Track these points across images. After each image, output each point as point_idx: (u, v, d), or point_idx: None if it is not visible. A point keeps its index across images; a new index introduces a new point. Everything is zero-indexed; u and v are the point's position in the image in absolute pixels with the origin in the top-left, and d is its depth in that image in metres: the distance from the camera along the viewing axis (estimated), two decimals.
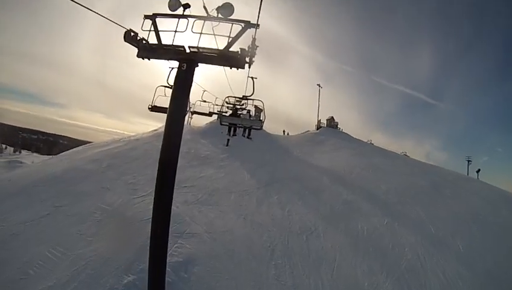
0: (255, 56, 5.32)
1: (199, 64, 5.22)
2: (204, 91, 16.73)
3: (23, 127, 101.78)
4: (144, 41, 5.28)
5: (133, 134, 21.97)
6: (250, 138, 18.30)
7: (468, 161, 36.80)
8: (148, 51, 5.34)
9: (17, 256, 8.14)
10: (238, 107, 16.55)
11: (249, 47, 5.17)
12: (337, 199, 14.45)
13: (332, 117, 35.28)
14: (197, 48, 5.08)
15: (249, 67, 5.51)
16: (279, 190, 14.52)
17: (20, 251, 8.38)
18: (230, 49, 5.11)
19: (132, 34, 5.19)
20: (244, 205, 12.20)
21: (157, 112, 9.23)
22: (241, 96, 12.61)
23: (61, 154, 18.13)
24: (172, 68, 6.82)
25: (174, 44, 5.18)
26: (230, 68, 5.24)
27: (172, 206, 10.29)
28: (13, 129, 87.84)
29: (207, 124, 25.97)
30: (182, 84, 5.09)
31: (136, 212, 10.24)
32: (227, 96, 12.94)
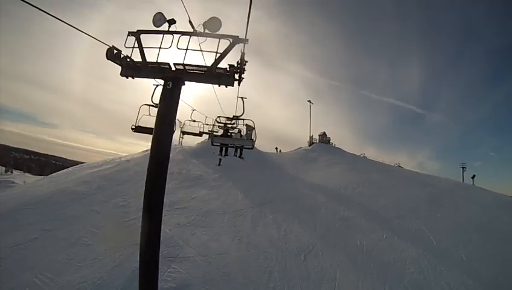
0: (244, 73, 5.13)
1: (186, 82, 4.98)
2: (193, 110, 16.26)
3: (16, 147, 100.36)
4: (128, 59, 5.06)
5: (124, 154, 21.72)
6: (242, 158, 18.15)
7: (463, 167, 36.90)
8: (132, 69, 5.12)
9: (2, 282, 7.72)
10: (229, 126, 16.29)
11: (237, 63, 4.98)
12: (333, 216, 14.09)
13: (324, 132, 35.33)
14: (183, 64, 4.86)
15: (239, 84, 5.31)
16: (274, 209, 14.13)
17: (5, 277, 7.94)
18: (218, 66, 4.90)
19: (115, 51, 4.97)
20: (238, 225, 11.77)
21: (141, 133, 8.23)
22: (232, 117, 12.51)
23: (51, 175, 17.67)
24: (157, 85, 6.31)
25: (159, 61, 4.96)
26: (219, 86, 5.04)
27: (165, 229, 9.95)
28: (6, 149, 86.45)
29: (198, 143, 25.68)
30: (168, 103, 4.83)
31: (127, 236, 9.74)
32: (218, 116, 12.63)
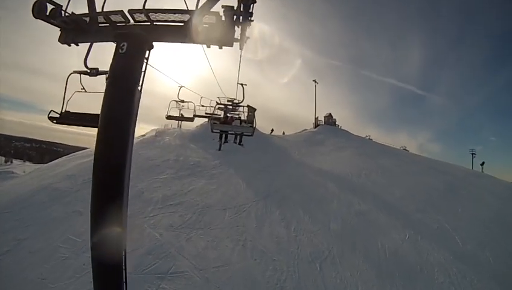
0: (246, 39, 3.20)
1: (154, 43, 3.00)
2: (180, 87, 12.88)
3: (16, 136, 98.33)
4: (66, 14, 3.11)
5: None
6: (242, 145, 16.62)
7: (473, 153, 35.32)
8: (76, 31, 3.16)
9: None
10: (230, 107, 14.99)
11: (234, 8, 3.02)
12: (348, 210, 12.53)
13: (330, 114, 33.36)
14: (146, 12, 2.94)
15: (241, 48, 3.38)
16: (281, 202, 12.53)
17: None
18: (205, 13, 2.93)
19: (50, 6, 3.04)
20: (241, 225, 10.13)
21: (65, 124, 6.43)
22: (232, 102, 13.12)
23: (40, 167, 15.77)
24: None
25: (107, 11, 3.03)
26: (208, 47, 3.15)
27: (155, 234, 8.26)
28: (6, 139, 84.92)
29: (197, 126, 23.74)
30: (125, 76, 2.83)
31: None
32: (218, 97, 12.35)
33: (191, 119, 12.67)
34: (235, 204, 11.74)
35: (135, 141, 19.09)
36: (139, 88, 2.77)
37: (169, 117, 11.49)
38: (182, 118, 13.13)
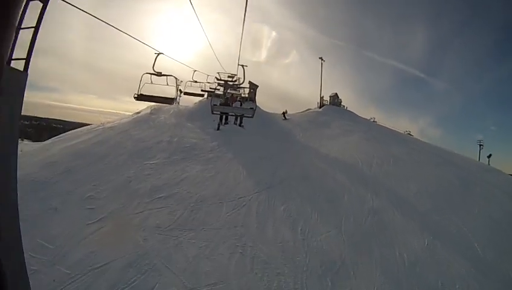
0: None
1: None
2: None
3: None
4: None
5: (128, 113, 19.40)
6: (242, 126, 15.25)
7: (480, 145, 33.77)
8: None
9: None
10: (231, 84, 13.88)
11: None
12: (361, 207, 11.18)
13: (336, 94, 31.39)
14: None
15: None
16: (286, 194, 11.14)
17: None
18: None
19: None
20: (240, 225, 8.72)
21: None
22: (232, 74, 13.67)
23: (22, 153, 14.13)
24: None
25: None
26: None
27: (139, 239, 6.86)
28: None
29: (195, 103, 21.86)
30: None
31: (84, 255, 6.69)
32: (218, 73, 11.23)
33: (169, 101, 9.18)
34: (233, 196, 10.32)
35: (128, 120, 17.59)
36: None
37: (140, 97, 7.98)
38: (159, 98, 9.70)
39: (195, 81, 16.54)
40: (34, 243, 6.99)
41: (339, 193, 12.01)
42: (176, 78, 7.29)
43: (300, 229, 9.18)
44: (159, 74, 7.16)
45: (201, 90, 19.23)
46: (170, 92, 7.82)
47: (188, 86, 19.14)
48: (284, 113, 25.03)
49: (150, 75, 7.58)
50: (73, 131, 16.58)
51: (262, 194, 10.83)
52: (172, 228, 7.97)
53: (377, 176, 14.26)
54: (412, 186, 13.59)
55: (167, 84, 7.26)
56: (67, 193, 8.99)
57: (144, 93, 8.30)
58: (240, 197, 10.32)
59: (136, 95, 8.36)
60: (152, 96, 8.12)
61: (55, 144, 13.53)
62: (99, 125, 15.87)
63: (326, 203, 11.05)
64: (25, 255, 5.15)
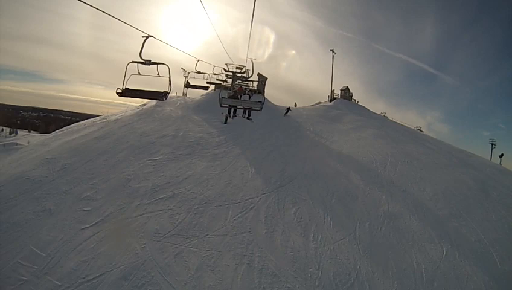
0: None
1: None
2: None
3: (24, 106, 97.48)
4: None
5: (136, 104, 18.97)
6: (251, 119, 14.60)
7: (492, 144, 32.36)
8: None
9: None
10: (239, 75, 13.26)
11: None
12: (375, 210, 10.52)
13: (347, 87, 30.28)
14: None
15: None
16: (296, 195, 10.51)
17: None
18: None
19: None
20: (247, 231, 8.10)
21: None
22: (241, 66, 13.92)
23: (12, 158, 13.55)
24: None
25: None
26: None
27: (136, 246, 6.29)
28: (14, 109, 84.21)
29: (203, 95, 21.13)
30: None
31: (77, 265, 6.13)
32: (226, 64, 12.08)
33: (161, 96, 6.73)
34: (240, 197, 9.71)
35: (132, 112, 16.98)
36: None
37: (123, 93, 5.87)
38: (147, 92, 7.41)
39: (199, 72, 15.60)
40: (27, 250, 6.50)
41: (353, 194, 11.33)
42: (168, 67, 5.54)
43: (313, 236, 8.55)
44: (148, 62, 5.50)
45: (207, 83, 18.63)
46: (164, 85, 5.95)
47: (191, 77, 18.73)
48: (288, 109, 23.42)
49: (137, 64, 5.78)
50: (77, 124, 16.10)
51: (271, 196, 10.21)
52: (173, 234, 7.37)
53: (392, 176, 13.47)
54: (428, 188, 12.81)
55: (158, 75, 5.56)
56: (63, 193, 8.47)
57: (130, 88, 6.14)
58: (248, 199, 9.70)
59: (119, 90, 6.09)
60: (140, 90, 6.10)
61: (57, 138, 13.05)
62: (102, 118, 15.35)
63: (339, 206, 10.39)
64: (15, 263, 4.54)
